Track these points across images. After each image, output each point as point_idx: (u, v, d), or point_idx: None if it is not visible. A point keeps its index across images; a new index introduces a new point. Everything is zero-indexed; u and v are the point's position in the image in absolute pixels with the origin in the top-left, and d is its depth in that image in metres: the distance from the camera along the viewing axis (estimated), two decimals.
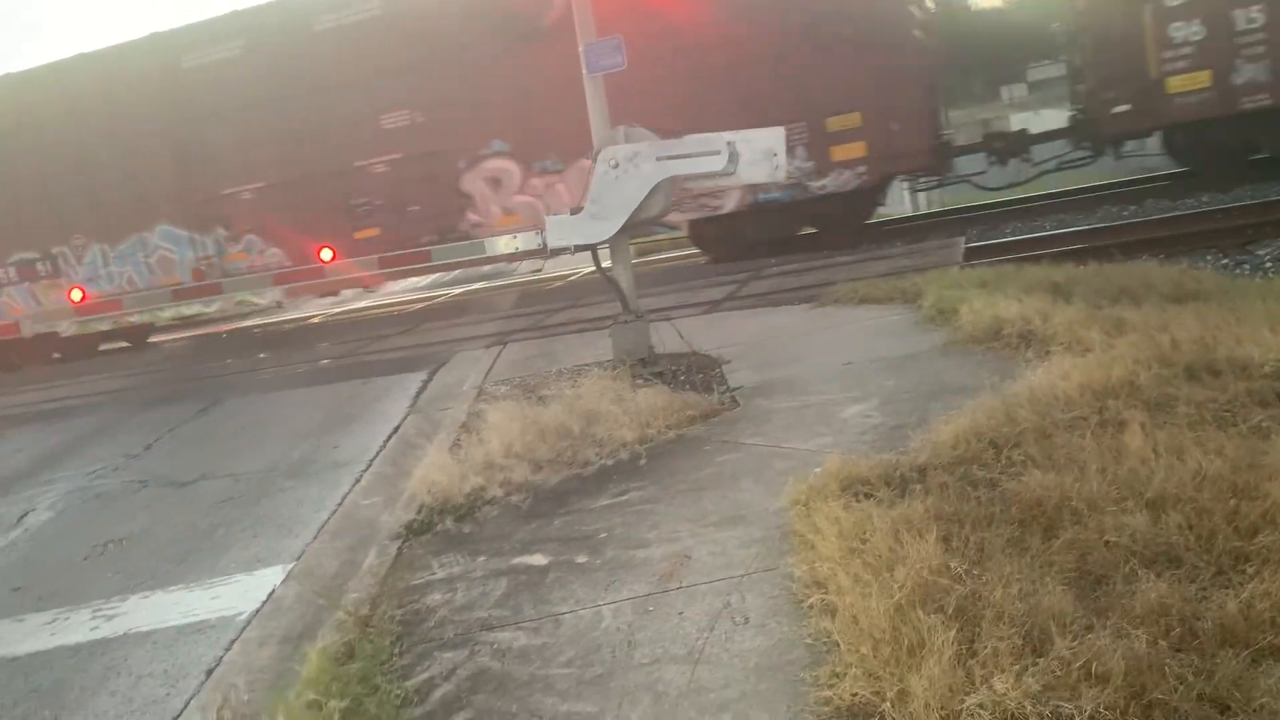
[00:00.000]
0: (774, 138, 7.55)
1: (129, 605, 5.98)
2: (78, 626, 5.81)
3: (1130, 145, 14.29)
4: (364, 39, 14.85)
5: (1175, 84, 12.95)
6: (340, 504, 7.09)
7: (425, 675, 4.16)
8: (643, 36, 11.67)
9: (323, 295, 19.07)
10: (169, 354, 17.82)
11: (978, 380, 6.31)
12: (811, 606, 3.87)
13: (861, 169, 14.13)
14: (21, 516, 8.41)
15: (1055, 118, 16.38)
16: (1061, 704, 2.77)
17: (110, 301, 17.16)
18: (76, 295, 17.20)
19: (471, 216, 15.38)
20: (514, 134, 14.89)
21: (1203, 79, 12.77)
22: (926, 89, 14.26)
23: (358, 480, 7.60)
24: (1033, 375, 5.86)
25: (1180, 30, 12.64)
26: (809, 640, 3.72)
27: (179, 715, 4.50)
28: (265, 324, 19.96)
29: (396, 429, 8.96)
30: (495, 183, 15.20)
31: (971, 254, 12.49)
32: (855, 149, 14.06)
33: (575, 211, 8.02)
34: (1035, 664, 2.98)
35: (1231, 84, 12.69)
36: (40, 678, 5.25)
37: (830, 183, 14.28)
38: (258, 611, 5.47)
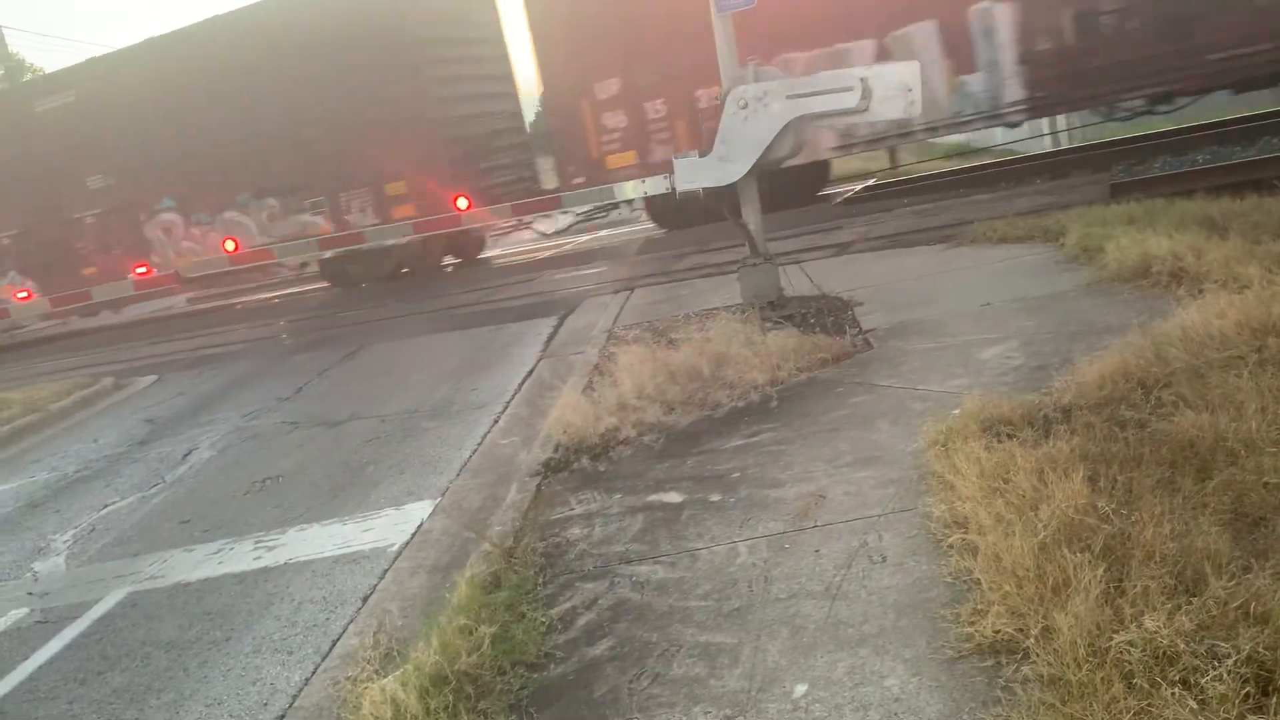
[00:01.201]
0: (910, 72, 7.34)
1: (288, 537, 6.36)
2: (242, 556, 6.22)
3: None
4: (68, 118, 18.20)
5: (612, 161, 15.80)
6: (480, 443, 7.35)
7: (568, 604, 4.32)
8: None
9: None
10: (314, 303, 18.60)
11: (1125, 319, 6.08)
12: (951, 546, 3.85)
13: None
14: (186, 454, 9.00)
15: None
16: (1217, 643, 2.71)
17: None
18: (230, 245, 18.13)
19: (154, 257, 18.57)
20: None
21: (629, 157, 15.55)
22: None
23: (496, 421, 7.85)
24: (1185, 313, 5.60)
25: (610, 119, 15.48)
26: (948, 579, 3.71)
27: (338, 638, 4.80)
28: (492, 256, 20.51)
29: (531, 372, 9.20)
30: (168, 230, 18.44)
31: (1118, 190, 11.89)
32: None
33: (704, 154, 7.99)
34: (1189, 603, 2.91)
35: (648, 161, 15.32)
36: (211, 602, 5.65)
37: None
38: (408, 543, 5.76)
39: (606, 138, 15.49)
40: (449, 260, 19.66)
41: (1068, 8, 12.70)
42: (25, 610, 6.10)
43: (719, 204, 8.44)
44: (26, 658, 5.40)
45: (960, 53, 13.28)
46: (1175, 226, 7.95)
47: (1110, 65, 12.80)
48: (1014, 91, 13.34)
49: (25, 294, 19.56)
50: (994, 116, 13.69)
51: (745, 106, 7.70)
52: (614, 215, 19.41)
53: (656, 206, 17.09)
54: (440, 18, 16.92)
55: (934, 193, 14.99)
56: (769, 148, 7.73)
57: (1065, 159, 15.48)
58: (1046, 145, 17.87)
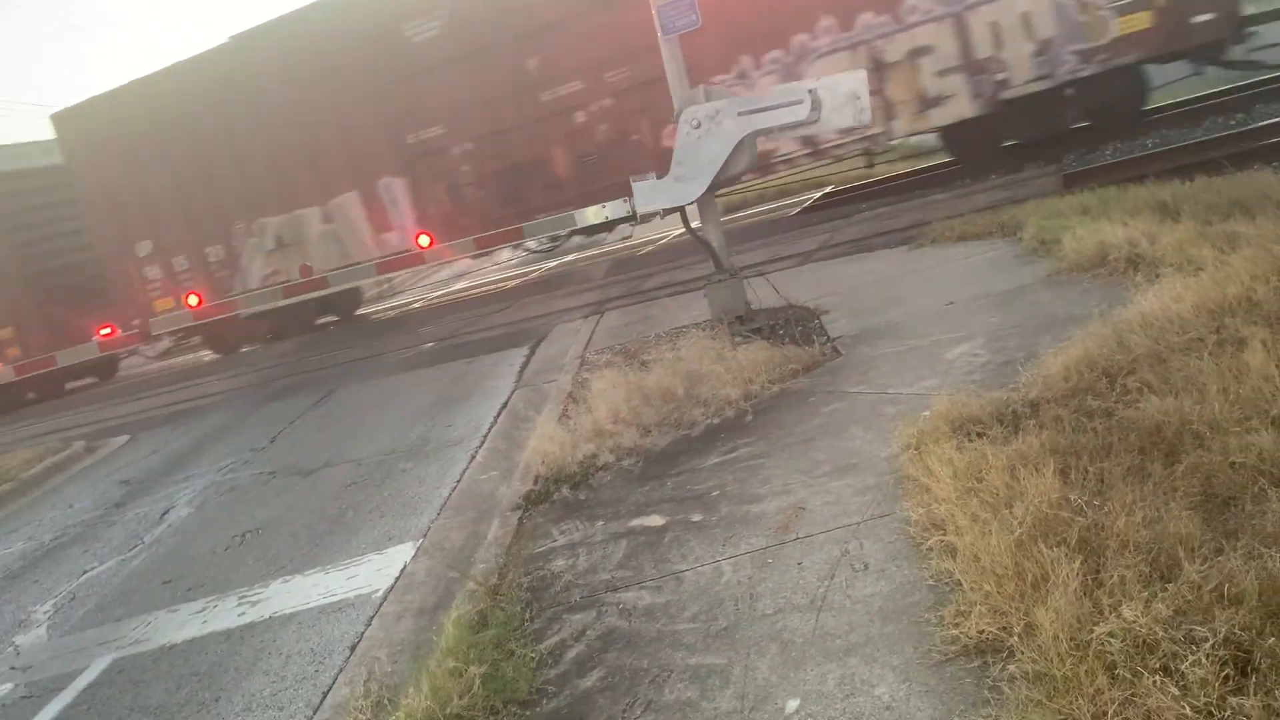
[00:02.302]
0: (857, 81, 7.44)
1: (271, 590, 6.32)
2: (226, 613, 6.17)
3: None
4: None
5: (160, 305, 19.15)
6: (459, 480, 7.33)
7: (557, 638, 4.31)
8: None
9: None
10: (281, 350, 18.51)
11: (1085, 309, 6.17)
12: (930, 548, 3.88)
13: None
14: (164, 514, 8.91)
15: None
16: (1194, 627, 2.74)
17: None
18: None
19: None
20: None
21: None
22: None
23: (473, 457, 7.84)
24: (1143, 299, 5.69)
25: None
26: (930, 582, 3.74)
27: (329, 689, 4.77)
28: (370, 312, 20.56)
29: (505, 404, 9.19)
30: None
31: (1071, 179, 12.08)
32: None
33: (661, 175, 8.05)
34: (1165, 590, 2.95)
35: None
36: (198, 662, 5.60)
37: None
38: (392, 587, 5.73)
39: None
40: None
41: (441, 180, 16.67)
42: (9, 686, 6.01)
43: (682, 219, 8.49)
44: None
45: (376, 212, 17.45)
46: (1129, 213, 8.08)
47: (474, 220, 16.64)
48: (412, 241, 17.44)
49: None
50: (407, 253, 17.39)
51: (699, 126, 7.77)
52: None
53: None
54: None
55: (892, 195, 15.14)
56: (725, 164, 7.79)
57: (1016, 154, 15.70)
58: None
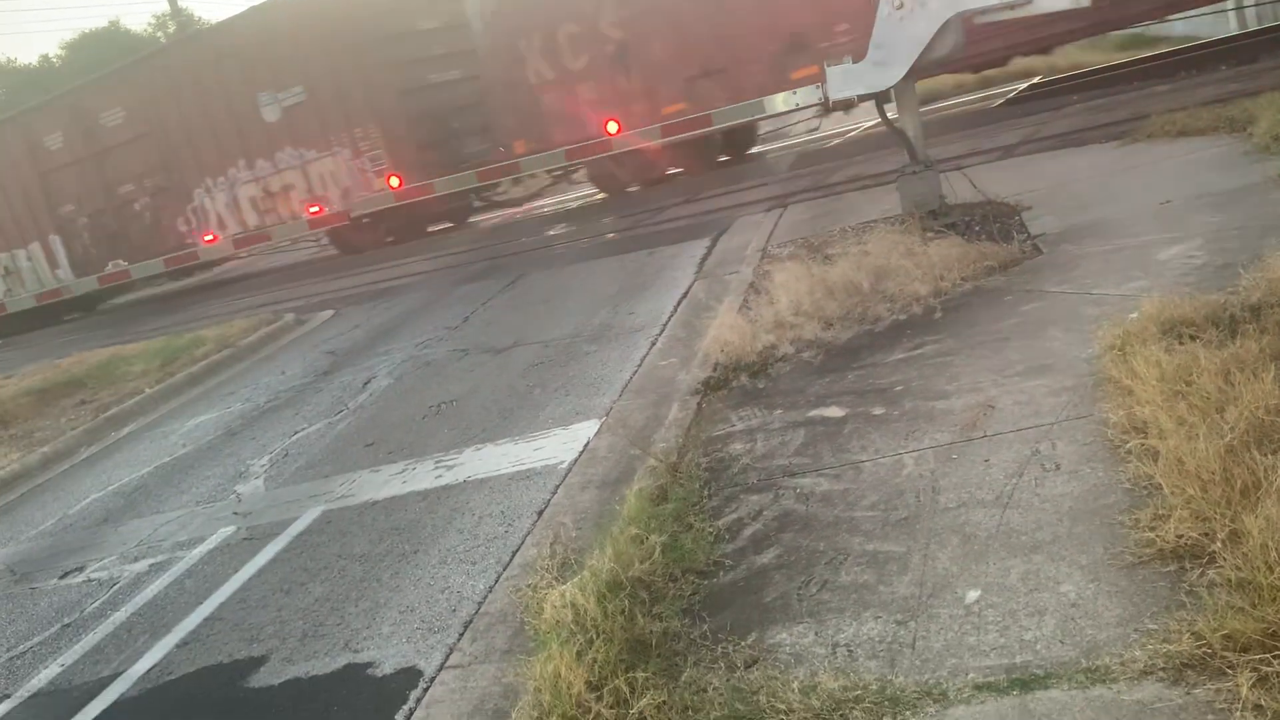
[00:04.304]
0: None
1: (465, 456, 6.69)
2: (424, 475, 6.59)
3: None
4: None
5: None
6: (640, 364, 7.49)
7: (734, 515, 4.41)
8: None
9: None
10: (475, 235, 19.16)
11: None
12: (1130, 451, 3.72)
13: None
14: (366, 383, 9.52)
15: None
16: None
17: None
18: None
19: None
20: None
21: None
22: None
23: (654, 343, 7.97)
24: None
25: None
26: (1127, 485, 3.60)
27: (517, 549, 5.06)
28: (554, 201, 20.95)
29: (686, 293, 9.26)
30: None
31: None
32: None
33: (857, 59, 7.75)
34: None
35: None
36: (398, 518, 6.03)
37: None
38: (576, 460, 5.97)
39: None
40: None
41: None
42: (233, 529, 6.66)
43: (877, 106, 8.17)
44: (236, 571, 5.92)
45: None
46: None
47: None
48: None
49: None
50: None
51: (900, 7, 7.40)
52: None
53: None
54: None
55: (1106, 87, 14.08)
56: (927, 48, 7.41)
57: (1252, 42, 14.25)
58: (1232, 27, 16.44)
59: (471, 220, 21.29)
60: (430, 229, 20.55)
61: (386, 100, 18.07)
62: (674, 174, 17.65)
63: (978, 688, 2.86)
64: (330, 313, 14.30)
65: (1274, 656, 2.50)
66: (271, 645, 4.87)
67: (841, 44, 13.10)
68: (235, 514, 6.93)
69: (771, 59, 14.46)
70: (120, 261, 21.42)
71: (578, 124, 16.25)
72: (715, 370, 6.41)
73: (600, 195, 18.53)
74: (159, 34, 44.21)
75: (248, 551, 6.18)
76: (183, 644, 5.18)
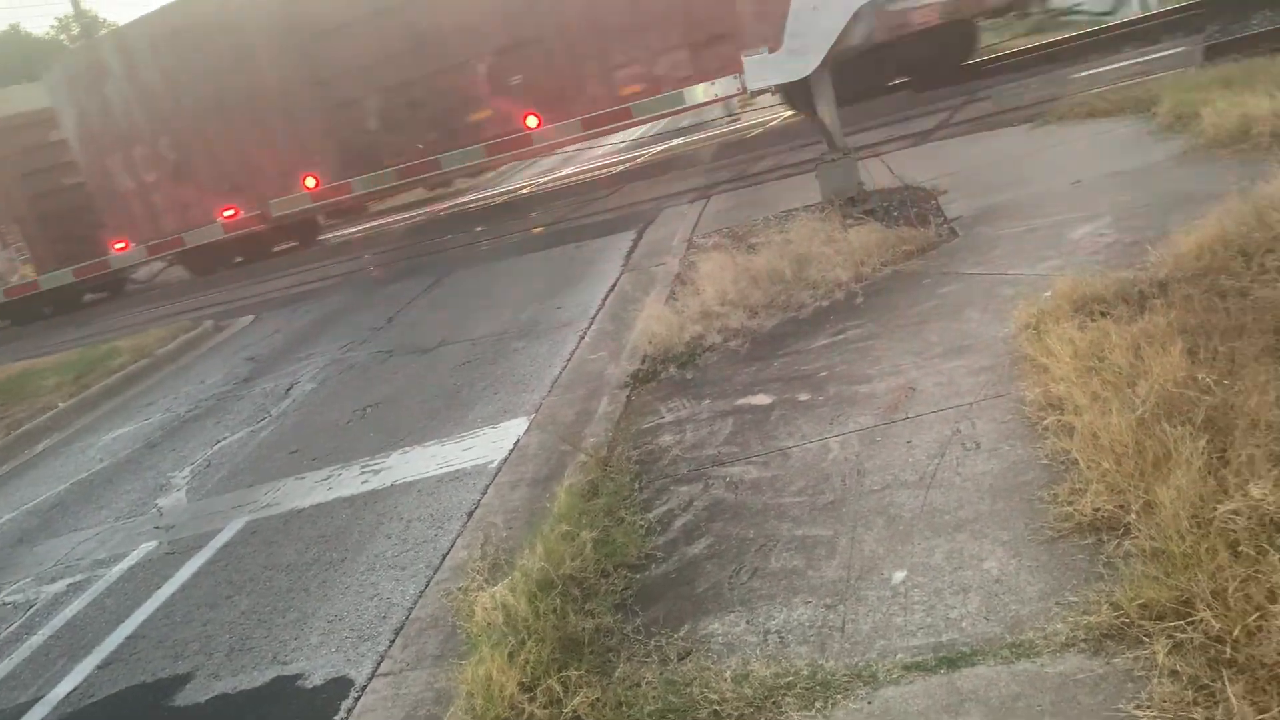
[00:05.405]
0: None
1: (392, 460, 6.59)
2: (350, 481, 6.47)
3: None
4: None
5: None
6: (569, 359, 7.45)
7: (665, 508, 4.41)
8: None
9: None
10: (396, 234, 18.89)
11: (1223, 186, 5.81)
12: (1046, 428, 3.80)
13: None
14: (288, 389, 9.33)
15: None
16: None
17: None
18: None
19: None
20: None
21: None
22: None
23: (582, 337, 7.94)
24: None
25: None
26: (1044, 461, 3.68)
27: (447, 551, 4.99)
28: (479, 198, 20.75)
29: (613, 287, 9.24)
30: None
31: (1213, 51, 11.24)
32: None
33: (773, 49, 7.80)
34: None
35: None
36: (325, 525, 5.91)
37: None
38: (506, 459, 5.92)
39: None
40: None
41: None
42: (154, 543, 6.47)
43: (793, 99, 8.23)
44: (159, 587, 5.75)
45: None
46: (1277, 85, 7.51)
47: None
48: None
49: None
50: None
51: None
52: None
53: None
54: None
55: (1017, 71, 14.38)
56: (842, 35, 7.49)
57: (1155, 24, 14.67)
58: (1135, 10, 16.90)
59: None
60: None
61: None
62: None
63: (906, 668, 2.89)
64: (250, 318, 13.99)
65: (1188, 623, 2.57)
66: (197, 662, 4.74)
67: None
68: (156, 528, 6.74)
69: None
70: None
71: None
72: (644, 362, 6.41)
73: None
74: (62, 37, 42.72)
75: (170, 566, 6.01)
76: (104, 664, 5.02)
